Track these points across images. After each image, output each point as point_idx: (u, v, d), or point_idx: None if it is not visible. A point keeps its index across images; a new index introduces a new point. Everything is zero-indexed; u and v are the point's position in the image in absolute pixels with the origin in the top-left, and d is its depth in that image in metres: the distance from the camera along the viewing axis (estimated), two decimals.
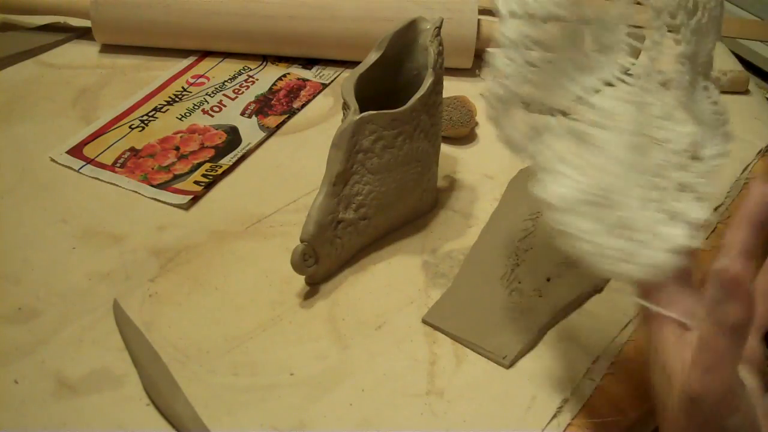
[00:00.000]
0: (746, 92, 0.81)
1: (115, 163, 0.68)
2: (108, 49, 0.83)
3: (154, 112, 0.75)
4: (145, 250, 0.60)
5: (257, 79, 0.80)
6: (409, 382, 0.52)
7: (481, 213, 0.65)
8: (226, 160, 0.69)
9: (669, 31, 0.45)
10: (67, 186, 0.66)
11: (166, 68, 0.80)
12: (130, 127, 0.72)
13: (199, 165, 0.68)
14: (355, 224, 0.58)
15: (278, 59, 0.82)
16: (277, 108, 0.76)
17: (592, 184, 0.42)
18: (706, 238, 0.63)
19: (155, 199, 0.65)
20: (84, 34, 0.84)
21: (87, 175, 0.67)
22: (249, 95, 0.77)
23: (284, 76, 0.80)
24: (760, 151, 0.73)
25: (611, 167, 0.43)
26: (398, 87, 0.62)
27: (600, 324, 0.56)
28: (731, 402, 0.36)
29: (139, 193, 0.65)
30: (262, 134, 0.72)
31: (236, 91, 0.78)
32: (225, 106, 0.76)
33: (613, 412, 0.51)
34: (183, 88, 0.78)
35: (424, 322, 0.56)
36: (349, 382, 0.52)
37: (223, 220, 0.63)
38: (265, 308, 0.56)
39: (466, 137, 0.73)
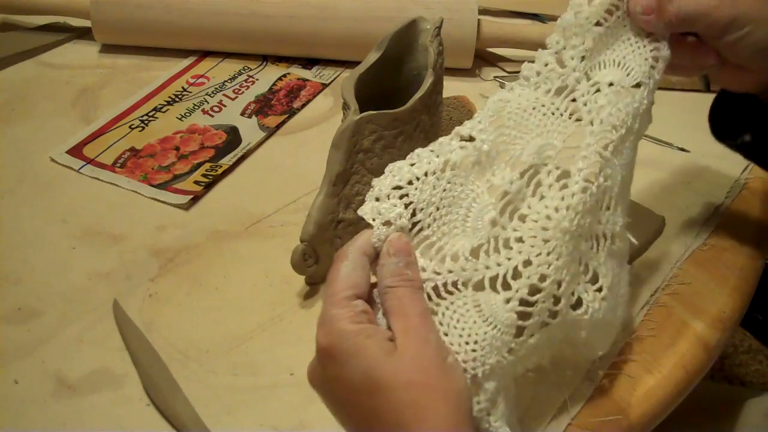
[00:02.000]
0: None
1: (115, 163, 0.68)
2: (108, 49, 0.83)
3: (154, 112, 0.75)
4: (145, 250, 0.60)
5: (257, 79, 0.80)
6: None
7: None
8: (226, 160, 0.69)
9: None
10: (67, 186, 0.66)
11: (166, 68, 0.80)
12: (130, 127, 0.72)
13: (199, 165, 0.68)
14: (355, 224, 0.58)
15: (278, 59, 0.82)
16: (277, 108, 0.76)
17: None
18: (707, 238, 0.63)
19: (155, 199, 0.65)
20: (84, 34, 0.84)
21: (87, 175, 0.67)
22: (249, 95, 0.77)
23: (284, 76, 0.80)
24: None
25: None
26: (398, 87, 0.62)
27: None
28: (340, 351, 0.40)
29: (139, 193, 0.65)
30: (262, 134, 0.72)
31: (236, 91, 0.78)
32: (225, 106, 0.76)
33: (613, 411, 0.51)
34: (183, 88, 0.78)
35: None
36: None
37: (223, 220, 0.63)
38: (265, 308, 0.56)
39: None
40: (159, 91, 0.77)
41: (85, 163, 0.68)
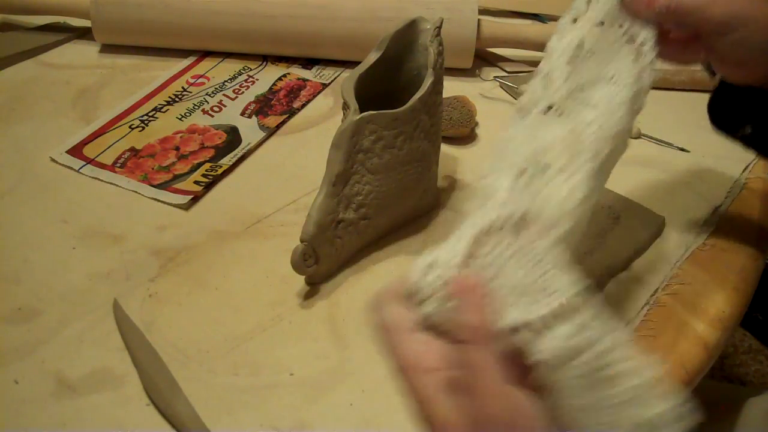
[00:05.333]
0: None
1: (115, 163, 0.68)
2: (108, 49, 0.83)
3: (154, 112, 0.75)
4: (145, 250, 0.60)
5: (257, 79, 0.80)
6: None
7: None
8: (226, 160, 0.69)
9: None
10: (67, 186, 0.66)
11: (166, 68, 0.80)
12: (130, 127, 0.72)
13: (199, 165, 0.68)
14: (356, 224, 0.58)
15: (278, 59, 0.82)
16: (277, 108, 0.76)
17: None
18: (707, 238, 0.63)
19: (155, 199, 0.65)
20: (84, 34, 0.84)
21: (87, 175, 0.67)
22: (249, 95, 0.77)
23: (284, 76, 0.80)
24: None
25: None
26: (398, 87, 0.62)
27: None
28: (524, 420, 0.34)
29: (139, 193, 0.65)
30: (262, 134, 0.72)
31: (236, 91, 0.78)
32: (225, 106, 0.76)
33: None
34: (183, 88, 0.78)
35: None
36: (349, 382, 0.52)
37: (223, 220, 0.63)
38: (265, 308, 0.56)
39: (466, 137, 0.73)
40: (159, 91, 0.77)
41: (85, 163, 0.68)
